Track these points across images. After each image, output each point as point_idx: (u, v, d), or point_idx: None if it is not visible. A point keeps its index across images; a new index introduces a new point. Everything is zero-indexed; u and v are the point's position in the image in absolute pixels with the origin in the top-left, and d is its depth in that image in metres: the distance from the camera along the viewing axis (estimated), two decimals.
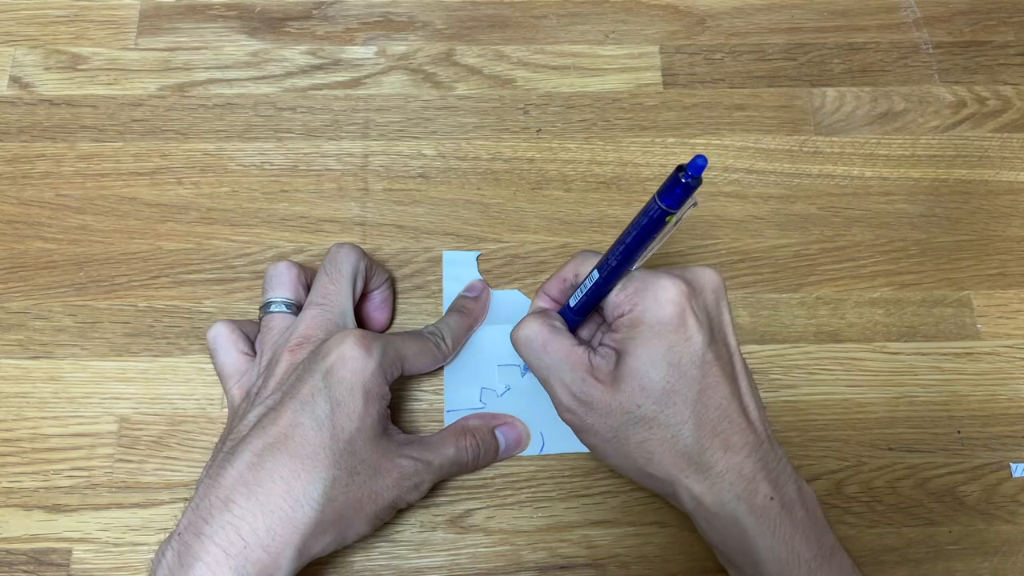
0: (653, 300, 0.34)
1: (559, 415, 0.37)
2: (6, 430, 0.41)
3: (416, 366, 0.39)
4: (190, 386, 0.43)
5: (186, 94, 0.49)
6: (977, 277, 0.46)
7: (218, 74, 0.50)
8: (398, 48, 0.51)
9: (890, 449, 0.42)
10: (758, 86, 0.50)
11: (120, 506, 0.40)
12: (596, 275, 0.35)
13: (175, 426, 0.42)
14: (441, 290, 0.45)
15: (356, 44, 0.51)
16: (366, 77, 0.50)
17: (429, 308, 0.44)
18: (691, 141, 0.49)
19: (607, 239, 0.46)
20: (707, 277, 0.36)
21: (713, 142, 0.49)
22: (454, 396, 0.42)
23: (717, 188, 0.48)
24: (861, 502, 0.41)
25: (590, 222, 0.47)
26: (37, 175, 0.47)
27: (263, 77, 0.50)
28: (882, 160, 0.49)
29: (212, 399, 0.42)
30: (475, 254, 0.45)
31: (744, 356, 0.37)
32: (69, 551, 0.39)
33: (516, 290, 0.45)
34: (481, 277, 0.45)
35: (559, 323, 0.37)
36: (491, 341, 0.43)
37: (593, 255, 0.38)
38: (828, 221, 0.47)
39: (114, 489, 0.41)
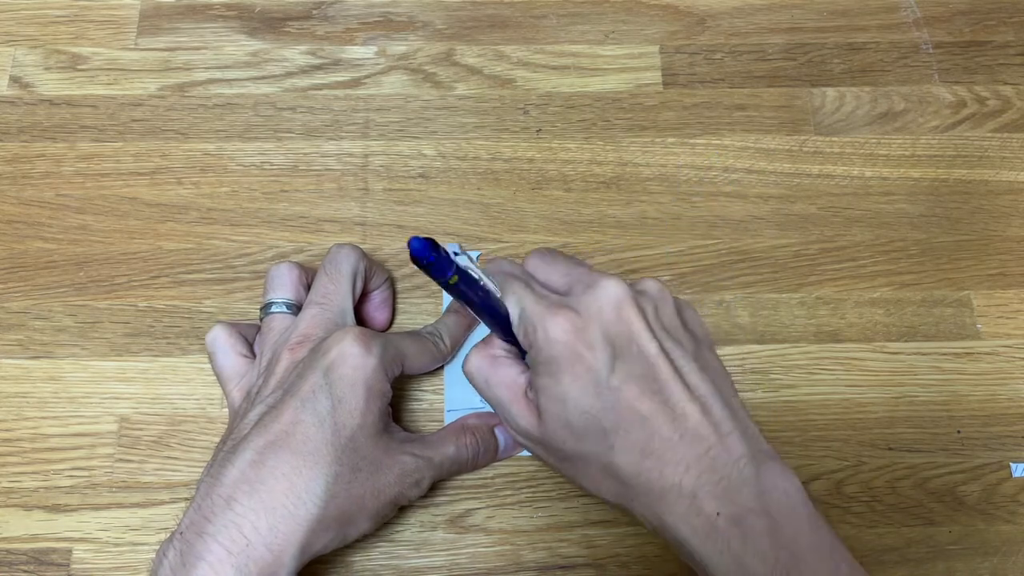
0: (544, 339, 0.34)
1: None
2: (6, 430, 0.41)
3: (416, 365, 0.39)
4: (190, 386, 0.43)
5: (186, 94, 0.49)
6: (977, 277, 0.46)
7: (218, 74, 0.50)
8: (398, 48, 0.51)
9: (890, 449, 0.42)
10: (758, 86, 0.50)
11: (120, 506, 0.40)
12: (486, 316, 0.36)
13: (175, 426, 0.42)
14: (441, 290, 0.45)
15: (356, 44, 0.51)
16: (366, 77, 0.50)
17: (429, 308, 0.44)
18: (691, 141, 0.49)
19: (607, 239, 0.46)
20: (604, 294, 0.34)
21: (713, 142, 0.49)
22: (454, 396, 0.42)
23: (717, 188, 0.48)
24: (861, 502, 0.41)
25: (590, 222, 0.47)
26: (37, 175, 0.47)
27: (263, 77, 0.50)
28: (882, 160, 0.49)
29: (212, 399, 0.42)
30: (475, 254, 0.45)
31: (703, 351, 0.36)
32: (69, 551, 0.39)
33: None
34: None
35: (502, 350, 0.37)
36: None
37: (507, 264, 0.37)
38: (828, 221, 0.47)
39: (114, 489, 0.41)
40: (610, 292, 0.34)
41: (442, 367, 0.43)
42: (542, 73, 0.50)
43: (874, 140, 0.49)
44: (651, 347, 0.34)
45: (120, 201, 0.46)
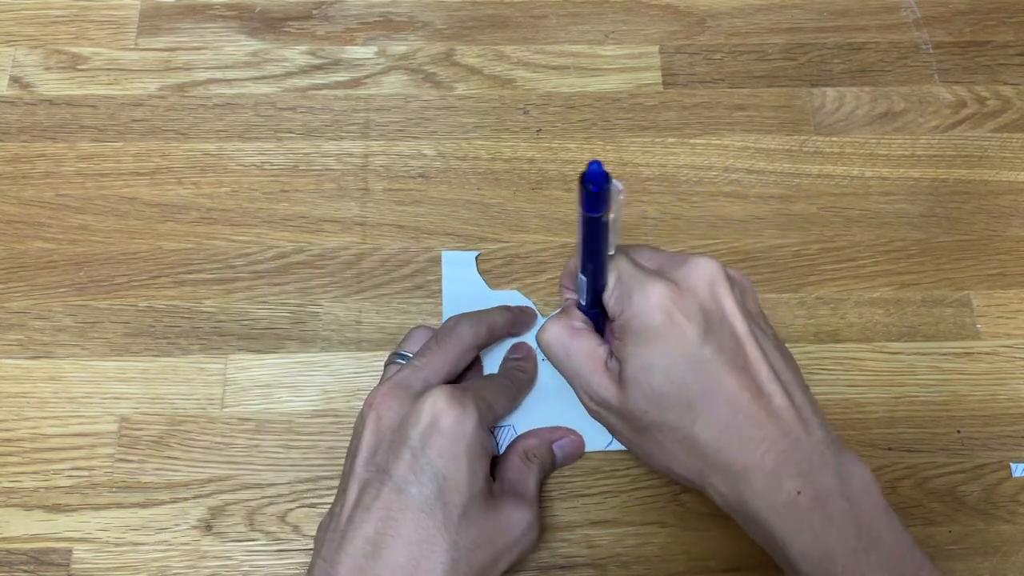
0: (640, 306, 0.33)
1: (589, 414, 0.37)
2: (6, 430, 0.41)
3: (501, 411, 0.39)
4: (190, 386, 0.43)
5: (186, 94, 0.49)
6: (977, 277, 0.46)
7: (218, 74, 0.50)
8: (398, 48, 0.51)
9: (890, 449, 0.42)
10: (758, 86, 0.50)
11: (120, 506, 0.40)
12: (582, 278, 0.35)
13: (175, 426, 0.42)
14: (440, 290, 0.45)
15: (356, 44, 0.51)
16: (366, 77, 0.50)
17: (429, 308, 0.44)
18: (691, 141, 0.49)
19: None
20: (700, 270, 0.34)
21: (713, 142, 0.49)
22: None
23: (717, 188, 0.48)
24: None
25: None
26: (37, 175, 0.47)
27: (263, 77, 0.50)
28: (882, 160, 0.49)
29: (212, 399, 0.42)
30: (474, 254, 0.45)
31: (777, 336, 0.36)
32: (69, 551, 0.39)
33: (515, 291, 0.45)
34: (481, 278, 0.45)
35: (580, 322, 0.37)
36: (500, 347, 0.43)
37: None
38: (828, 221, 0.47)
39: (114, 489, 0.41)
40: (706, 268, 0.34)
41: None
42: (542, 73, 0.50)
43: (874, 140, 0.49)
44: (741, 326, 0.34)
45: (120, 201, 0.46)
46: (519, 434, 0.41)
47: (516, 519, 0.35)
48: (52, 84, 0.49)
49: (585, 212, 0.31)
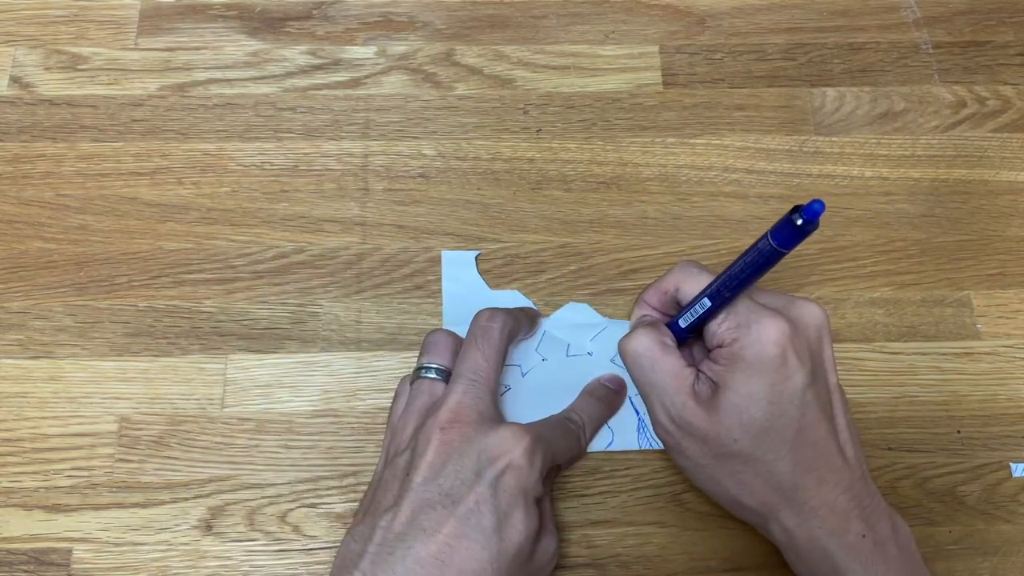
0: (756, 338, 0.34)
1: (654, 430, 0.38)
2: (6, 430, 0.41)
3: (561, 461, 0.39)
4: (190, 386, 0.43)
5: (186, 94, 0.49)
6: (977, 277, 0.46)
7: (218, 74, 0.50)
8: (398, 48, 0.51)
9: (890, 449, 0.42)
10: (758, 86, 0.50)
11: (120, 506, 0.40)
12: (708, 303, 0.35)
13: (175, 426, 0.42)
14: (440, 290, 0.45)
15: (356, 44, 0.51)
16: (366, 77, 0.50)
17: (429, 308, 0.44)
18: (691, 141, 0.49)
19: (607, 239, 0.46)
20: (811, 314, 0.36)
21: (713, 142, 0.49)
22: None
23: (717, 188, 0.48)
24: None
25: (590, 222, 0.47)
26: (37, 175, 0.47)
27: (263, 77, 0.50)
28: (882, 160, 0.49)
29: (212, 399, 0.42)
30: (474, 254, 0.45)
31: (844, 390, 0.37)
32: (69, 551, 0.39)
33: (516, 291, 0.45)
34: (481, 278, 0.45)
35: (670, 340, 0.37)
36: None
37: (698, 270, 0.37)
38: (828, 221, 0.47)
39: (114, 489, 0.41)
40: (816, 313, 0.36)
41: None
42: (542, 73, 0.50)
43: (874, 140, 0.49)
44: (834, 378, 0.36)
45: (120, 201, 0.46)
46: None
47: (544, 547, 0.36)
48: (52, 84, 0.49)
49: (776, 245, 0.31)
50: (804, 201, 0.47)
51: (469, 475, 0.34)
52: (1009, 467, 0.42)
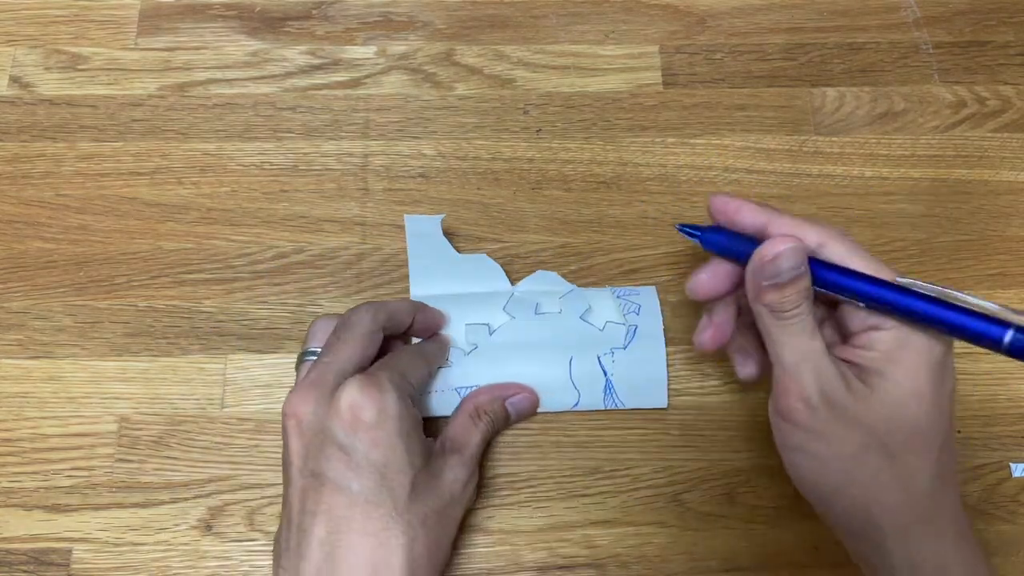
0: (923, 330, 0.31)
1: (781, 408, 0.32)
2: (6, 430, 0.41)
3: (419, 379, 0.38)
4: (190, 386, 0.43)
5: (186, 94, 0.49)
6: (977, 277, 0.46)
7: (218, 74, 0.50)
8: (398, 48, 0.51)
9: None
10: (758, 86, 0.50)
11: (120, 506, 0.40)
12: (862, 304, 0.32)
13: (175, 426, 0.42)
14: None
15: (356, 44, 0.51)
16: (366, 77, 0.50)
17: None
18: (691, 141, 0.49)
19: (607, 239, 0.46)
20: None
21: (713, 142, 0.49)
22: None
23: (717, 188, 0.48)
24: None
25: (590, 222, 0.47)
26: (37, 175, 0.47)
27: (263, 77, 0.50)
28: (882, 160, 0.49)
29: (212, 399, 0.42)
30: (439, 217, 0.44)
31: None
32: (69, 551, 0.39)
33: (483, 254, 0.44)
34: (447, 241, 0.43)
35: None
36: (459, 301, 0.43)
37: (851, 243, 0.32)
38: (828, 221, 0.47)
39: (114, 489, 0.41)
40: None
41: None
42: (542, 73, 0.50)
43: (874, 140, 0.49)
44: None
45: (120, 201, 0.46)
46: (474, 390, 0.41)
47: (454, 478, 0.36)
48: (52, 84, 0.49)
49: (1009, 349, 0.30)
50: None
51: (328, 447, 0.33)
52: (1009, 467, 0.42)
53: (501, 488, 0.41)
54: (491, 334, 0.42)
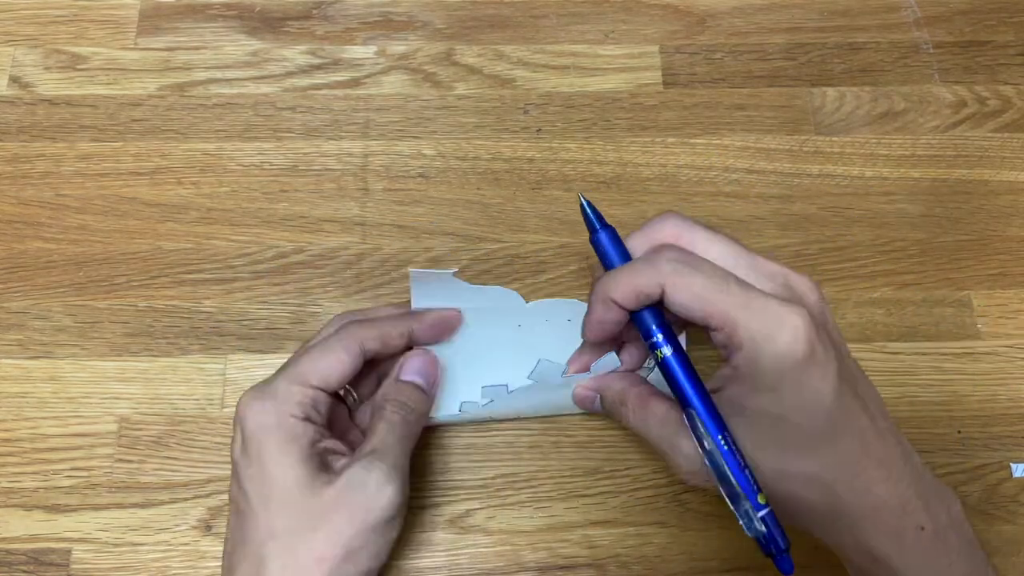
0: (778, 339, 0.29)
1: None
2: (6, 430, 0.41)
3: (325, 372, 0.35)
4: (190, 386, 0.42)
5: (186, 94, 0.49)
6: (977, 277, 0.46)
7: (218, 74, 0.50)
8: (398, 48, 0.51)
9: None
10: (758, 86, 0.50)
11: (120, 506, 0.40)
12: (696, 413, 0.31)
13: (175, 426, 0.42)
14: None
15: (356, 44, 0.51)
16: (366, 77, 0.50)
17: None
18: (691, 141, 0.49)
19: None
20: (814, 292, 0.31)
21: (713, 142, 0.49)
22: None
23: (717, 188, 0.48)
24: None
25: None
26: (37, 175, 0.47)
27: (263, 77, 0.50)
28: (882, 160, 0.49)
29: (212, 399, 0.42)
30: (449, 272, 0.39)
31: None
32: (69, 551, 0.39)
33: (499, 286, 0.43)
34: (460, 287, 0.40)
35: (645, 384, 0.35)
36: (475, 354, 0.41)
37: (692, 264, 0.31)
38: (828, 221, 0.47)
39: (114, 489, 0.41)
40: (816, 290, 0.31)
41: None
42: (542, 73, 0.50)
43: (874, 140, 0.49)
44: (851, 362, 0.31)
45: (120, 201, 0.46)
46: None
47: (358, 481, 0.33)
48: (52, 84, 0.49)
49: (765, 551, 0.31)
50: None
51: (232, 472, 0.34)
52: (1009, 467, 0.42)
53: (502, 488, 0.41)
54: (509, 393, 0.40)
